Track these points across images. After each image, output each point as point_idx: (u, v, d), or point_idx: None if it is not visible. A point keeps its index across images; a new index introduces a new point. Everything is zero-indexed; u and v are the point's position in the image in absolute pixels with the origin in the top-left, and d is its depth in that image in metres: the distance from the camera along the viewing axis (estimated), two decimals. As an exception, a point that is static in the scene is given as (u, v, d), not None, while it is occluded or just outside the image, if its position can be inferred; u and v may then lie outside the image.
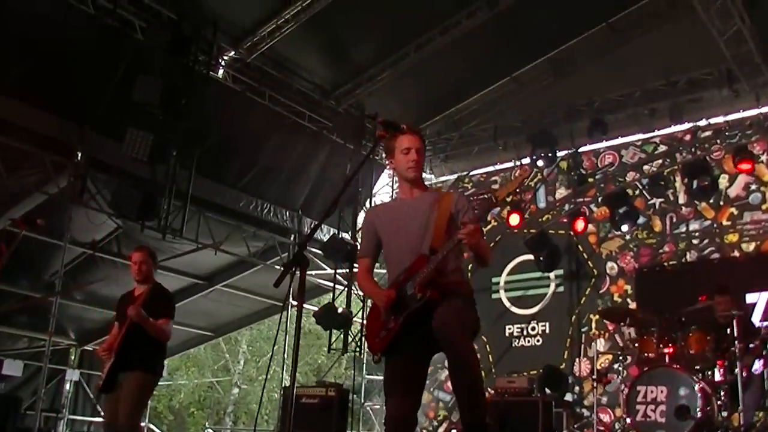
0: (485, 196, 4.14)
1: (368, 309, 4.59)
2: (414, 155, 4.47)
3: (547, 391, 11.08)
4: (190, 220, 11.62)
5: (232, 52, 12.01)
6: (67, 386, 14.95)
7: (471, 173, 15.24)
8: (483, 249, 4.40)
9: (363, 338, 14.20)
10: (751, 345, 7.98)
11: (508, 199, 4.21)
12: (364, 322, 14.32)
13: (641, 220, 12.50)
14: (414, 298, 4.15)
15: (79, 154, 10.49)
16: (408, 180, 4.55)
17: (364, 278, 4.69)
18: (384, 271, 4.69)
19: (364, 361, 15.40)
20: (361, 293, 14.39)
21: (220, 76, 12.02)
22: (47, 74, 9.69)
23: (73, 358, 15.43)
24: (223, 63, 12.03)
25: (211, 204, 12.29)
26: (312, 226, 13.60)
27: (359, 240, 4.70)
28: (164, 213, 10.88)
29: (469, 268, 14.25)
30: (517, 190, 4.28)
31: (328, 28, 11.90)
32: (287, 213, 13.49)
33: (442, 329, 4.00)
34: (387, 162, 4.72)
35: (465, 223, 4.11)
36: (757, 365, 8.04)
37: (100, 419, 15.46)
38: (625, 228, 12.37)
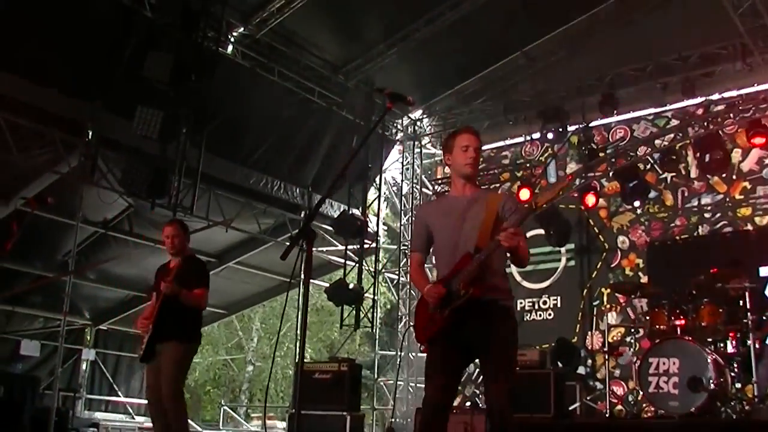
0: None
1: (416, 302, 4.81)
2: (472, 153, 4.69)
3: (560, 364, 11.11)
4: (201, 197, 11.63)
5: (242, 28, 11.96)
6: (84, 366, 15.07)
7: (481, 148, 15.17)
8: (522, 251, 4.53)
9: (375, 314, 14.30)
10: (764, 317, 7.98)
11: (546, 206, 4.37)
12: (375, 298, 14.44)
13: (653, 194, 12.47)
14: (458, 294, 4.37)
15: (90, 133, 10.49)
16: (463, 176, 4.74)
17: (417, 272, 4.85)
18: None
19: (377, 337, 15.46)
20: (372, 269, 14.47)
21: (230, 53, 11.99)
22: (57, 52, 9.68)
23: (88, 337, 15.56)
24: (232, 39, 11.99)
25: (221, 181, 12.29)
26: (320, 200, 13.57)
27: (410, 234, 4.97)
28: (174, 191, 10.89)
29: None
30: (558, 196, 4.48)
31: (337, 2, 11.85)
32: (297, 190, 13.49)
33: (493, 384, 4.38)
34: (446, 159, 4.86)
35: (505, 228, 4.26)
36: (771, 337, 8.05)
37: (117, 398, 15.64)
38: (636, 203, 12.35)
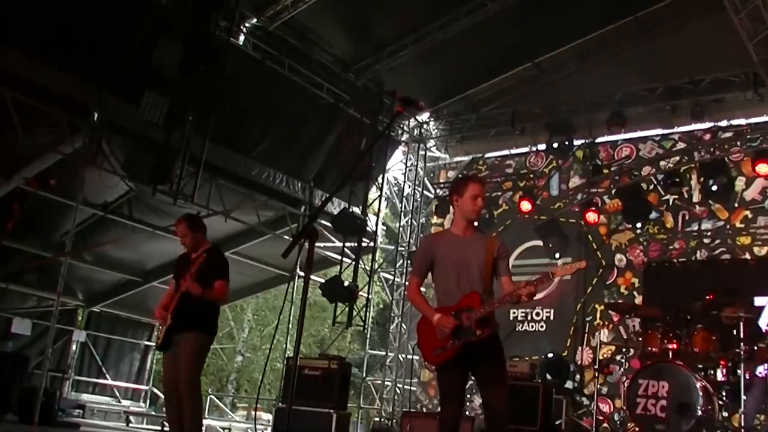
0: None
1: (418, 322, 5.40)
2: (480, 203, 5.30)
3: (549, 377, 11.12)
4: (202, 186, 11.61)
5: (254, 20, 11.96)
6: (74, 347, 15.05)
7: (486, 156, 15.19)
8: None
9: (368, 314, 14.29)
10: (756, 348, 7.97)
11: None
12: (369, 297, 14.43)
13: (653, 215, 12.48)
14: (472, 330, 5.02)
15: (96, 116, 10.47)
16: (467, 220, 5.34)
17: (418, 295, 5.38)
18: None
19: (368, 336, 15.47)
20: (367, 267, 14.45)
21: (241, 44, 11.98)
22: (67, 33, 9.67)
23: (80, 319, 15.53)
24: (244, 30, 11.99)
25: (224, 171, 12.27)
26: (323, 198, 13.59)
27: (414, 260, 5.94)
28: (177, 178, 10.87)
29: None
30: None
31: (351, 0, 11.83)
32: (299, 184, 13.47)
33: (495, 395, 5.05)
34: (453, 200, 5.38)
35: (524, 290, 4.97)
36: (762, 369, 8.04)
37: (105, 381, 15.63)
38: (638, 225, 12.38)
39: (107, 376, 15.69)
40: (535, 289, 5.00)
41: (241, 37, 11.98)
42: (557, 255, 12.99)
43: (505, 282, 5.27)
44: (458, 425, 5.12)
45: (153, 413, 16.72)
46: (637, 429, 8.20)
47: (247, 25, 12.00)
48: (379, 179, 14.90)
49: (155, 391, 17.09)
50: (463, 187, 5.30)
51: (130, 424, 14.66)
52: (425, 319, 5.21)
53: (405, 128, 15.42)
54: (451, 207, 5.53)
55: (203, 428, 6.45)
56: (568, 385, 12.09)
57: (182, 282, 6.24)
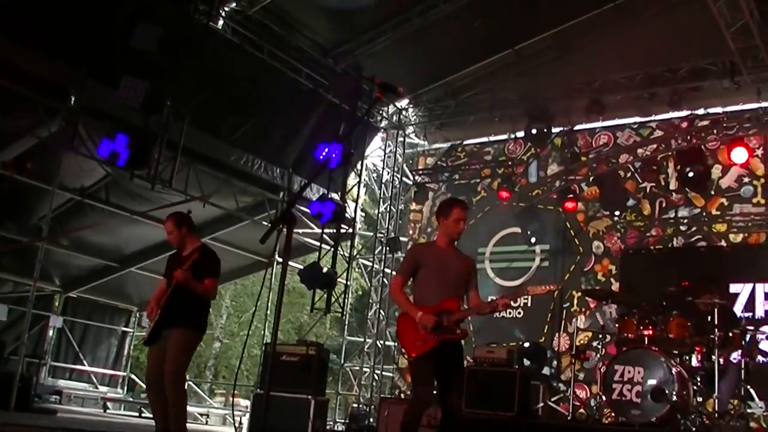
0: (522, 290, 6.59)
1: (398, 318, 6.09)
2: (462, 226, 6.01)
3: (526, 363, 11.18)
4: (180, 171, 11.55)
5: (234, 4, 11.86)
6: (51, 333, 14.96)
7: (465, 143, 15.21)
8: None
9: (346, 300, 14.30)
10: (731, 334, 8.06)
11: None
12: (348, 283, 14.45)
13: (631, 202, 12.57)
14: (452, 329, 5.71)
15: (73, 99, 10.37)
16: (450, 238, 6.04)
17: (401, 294, 6.01)
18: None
19: (347, 323, 15.48)
20: (346, 254, 14.44)
21: (220, 28, 11.88)
22: (45, 15, 9.55)
23: (57, 304, 15.43)
24: (223, 14, 11.88)
25: (202, 156, 12.20)
26: (302, 184, 13.56)
27: (401, 262, 6.44)
28: (154, 163, 10.80)
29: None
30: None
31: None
32: (278, 170, 13.43)
33: (453, 396, 5.75)
34: (440, 219, 6.08)
35: (501, 301, 5.78)
36: (736, 354, 8.14)
37: (81, 367, 15.55)
38: (615, 212, 12.47)
39: (84, 362, 15.63)
40: (510, 303, 5.93)
41: (221, 22, 11.88)
42: (533, 240, 13.06)
43: (473, 295, 5.96)
44: (427, 407, 5.72)
45: (130, 399, 16.69)
46: (612, 414, 8.28)
47: (226, 9, 11.89)
48: (358, 166, 14.88)
49: (133, 377, 17.05)
50: (449, 210, 6.00)
51: (108, 411, 14.63)
52: (407, 315, 5.83)
53: (384, 114, 15.40)
54: (436, 222, 6.21)
55: (186, 422, 6.41)
56: (545, 371, 12.18)
57: (175, 274, 6.25)
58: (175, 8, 10.46)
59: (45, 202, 11.42)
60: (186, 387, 6.71)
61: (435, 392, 5.80)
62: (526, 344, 11.69)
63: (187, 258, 6.42)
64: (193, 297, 6.34)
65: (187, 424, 6.45)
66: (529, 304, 13.41)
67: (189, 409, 15.01)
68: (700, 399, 8.11)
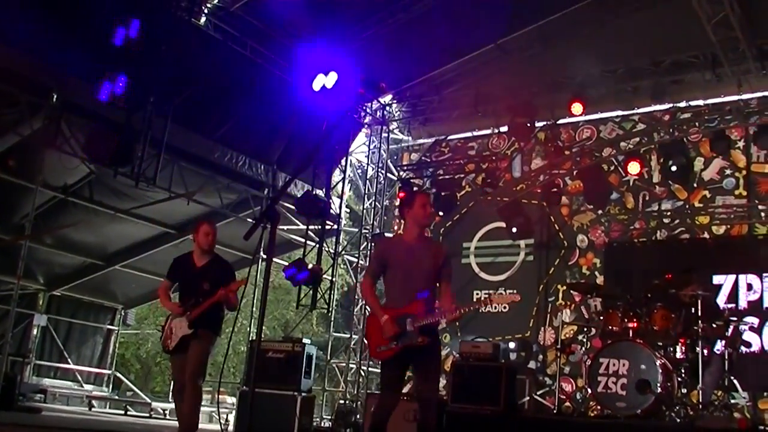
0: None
1: (368, 317, 6.15)
2: (429, 209, 6.07)
3: (512, 357, 11.22)
4: (164, 168, 11.52)
5: (216, 0, 11.81)
6: (35, 331, 14.88)
7: (448, 138, 15.21)
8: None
9: (332, 296, 14.31)
10: (714, 325, 8.12)
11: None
12: (333, 279, 14.44)
13: (614, 195, 12.63)
14: (414, 336, 5.61)
15: (55, 96, 10.32)
16: (420, 226, 5.99)
17: (371, 294, 5.94)
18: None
19: (332, 319, 15.47)
20: (331, 250, 14.44)
21: (202, 24, 11.83)
22: (26, 13, 9.50)
23: (41, 302, 15.35)
24: (206, 11, 11.84)
25: (186, 153, 12.16)
26: (286, 180, 13.53)
27: (369, 261, 6.47)
28: (138, 160, 10.78)
29: (441, 232, 14.42)
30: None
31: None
32: (262, 167, 13.40)
33: (426, 385, 5.74)
34: (405, 212, 6.03)
35: (459, 312, 5.72)
36: (719, 345, 8.20)
37: (66, 365, 15.47)
38: (599, 211, 12.56)
39: (69, 360, 15.55)
40: (461, 314, 5.72)
41: (203, 18, 11.84)
42: (514, 229, 13.05)
43: (443, 287, 5.88)
44: (391, 411, 5.71)
45: (116, 397, 16.63)
46: (598, 407, 8.33)
47: (208, 5, 11.86)
48: (343, 162, 14.86)
49: (118, 375, 16.98)
50: (411, 200, 5.99)
51: (93, 409, 14.57)
52: (374, 316, 5.83)
53: (368, 110, 15.38)
54: (402, 219, 6.16)
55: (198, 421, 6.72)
56: (531, 365, 12.24)
57: (219, 292, 6.54)
58: (157, 4, 10.40)
59: (28, 199, 11.35)
60: (165, 379, 7.05)
61: (399, 396, 5.88)
62: (512, 338, 11.73)
63: (210, 269, 6.80)
64: (218, 305, 6.67)
65: (171, 422, 6.60)
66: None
67: (173, 406, 15.03)
68: (684, 390, 8.16)
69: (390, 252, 5.99)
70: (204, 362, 6.77)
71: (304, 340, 10.86)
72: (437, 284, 5.88)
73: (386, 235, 15.07)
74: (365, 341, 6.55)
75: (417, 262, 5.80)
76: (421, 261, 5.80)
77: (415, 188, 14.26)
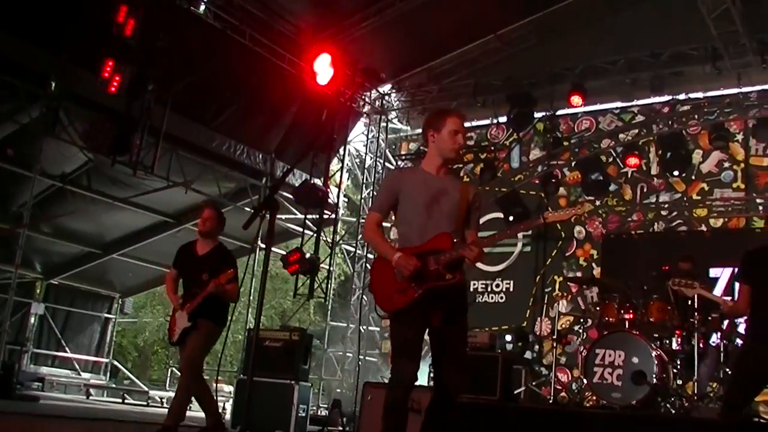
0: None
1: (374, 262, 4.80)
2: (461, 140, 4.65)
3: (508, 348, 11.24)
4: (162, 157, 11.52)
5: (215, -11, 11.80)
6: (32, 320, 14.90)
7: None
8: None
9: (329, 286, 14.31)
10: (710, 318, 8.14)
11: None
12: (331, 269, 14.43)
13: (612, 187, 12.64)
14: (440, 275, 4.38)
15: (53, 85, 10.30)
16: (445, 158, 4.69)
17: (376, 232, 4.73)
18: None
19: (329, 308, 15.49)
20: (329, 239, 14.43)
21: (201, 12, 11.80)
22: (24, 1, 9.47)
23: (38, 291, 15.36)
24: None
25: (184, 142, 12.15)
26: (285, 169, 13.52)
27: (377, 194, 4.94)
28: (136, 149, 10.76)
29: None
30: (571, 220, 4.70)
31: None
32: (260, 156, 13.39)
33: (453, 366, 4.42)
34: (429, 135, 4.72)
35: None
36: (715, 338, 8.23)
37: (64, 354, 15.49)
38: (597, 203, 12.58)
39: (67, 348, 15.57)
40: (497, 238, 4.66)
41: (202, 6, 11.80)
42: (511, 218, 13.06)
43: (470, 236, 4.63)
44: (411, 386, 4.38)
45: (113, 386, 16.67)
46: (594, 397, 8.36)
47: (207, -7, 11.83)
48: (341, 151, 14.85)
49: (116, 363, 17.00)
50: (440, 122, 4.65)
51: (90, 397, 14.61)
52: (383, 260, 4.58)
53: (367, 100, 15.36)
54: (425, 144, 4.77)
55: (186, 411, 6.67)
56: (528, 355, 12.24)
57: (208, 286, 6.38)
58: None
59: (26, 188, 11.35)
60: (163, 368, 6.98)
61: (418, 365, 4.42)
62: (509, 328, 11.76)
63: (209, 259, 6.62)
64: (216, 296, 6.51)
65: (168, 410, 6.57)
66: (511, 289, 13.48)
67: (171, 395, 15.08)
68: (679, 382, 8.20)
69: (405, 183, 4.68)
70: (202, 346, 6.61)
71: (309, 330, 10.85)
72: (464, 229, 4.63)
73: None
74: (370, 295, 5.41)
75: (441, 198, 4.55)
76: (443, 197, 4.56)
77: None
